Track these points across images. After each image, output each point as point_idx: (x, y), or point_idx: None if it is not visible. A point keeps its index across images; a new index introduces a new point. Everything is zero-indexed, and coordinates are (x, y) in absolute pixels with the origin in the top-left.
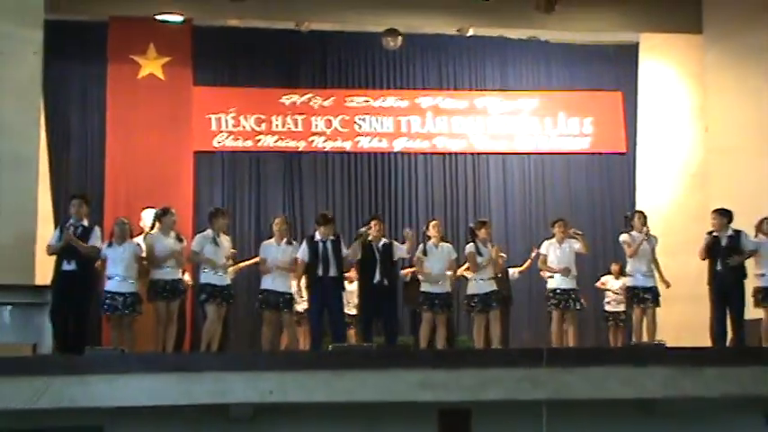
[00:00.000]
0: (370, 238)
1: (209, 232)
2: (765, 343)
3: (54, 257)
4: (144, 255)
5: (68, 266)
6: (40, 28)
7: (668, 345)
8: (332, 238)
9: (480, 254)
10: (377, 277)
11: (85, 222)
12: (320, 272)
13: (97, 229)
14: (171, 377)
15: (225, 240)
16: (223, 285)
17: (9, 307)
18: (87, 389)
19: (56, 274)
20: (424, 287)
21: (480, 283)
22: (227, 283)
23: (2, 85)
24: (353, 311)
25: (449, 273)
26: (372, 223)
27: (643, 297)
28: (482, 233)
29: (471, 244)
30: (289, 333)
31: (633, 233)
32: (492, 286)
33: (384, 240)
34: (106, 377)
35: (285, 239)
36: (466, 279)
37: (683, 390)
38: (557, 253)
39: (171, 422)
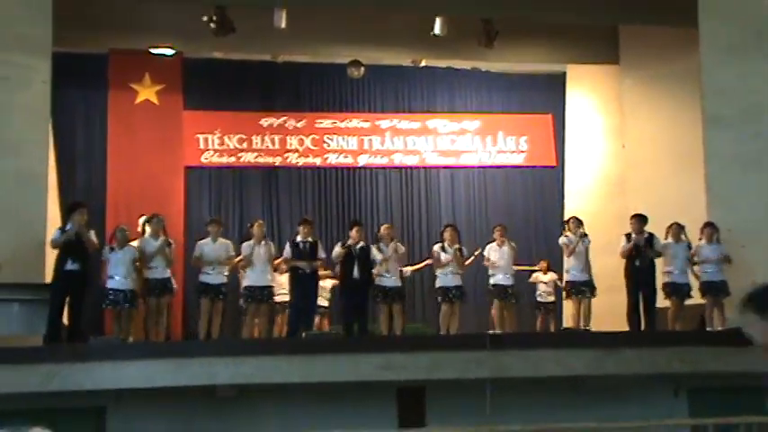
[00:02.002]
0: (350, 242)
1: (207, 239)
2: (672, 328)
3: (55, 259)
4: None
5: (72, 266)
6: (47, 59)
7: (593, 329)
8: (310, 240)
9: (445, 251)
10: (355, 274)
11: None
12: (300, 269)
13: (92, 231)
14: (165, 363)
15: (221, 244)
16: (216, 284)
17: (18, 303)
18: (92, 373)
19: (58, 273)
20: (378, 281)
21: (444, 278)
22: (220, 282)
23: (14, 109)
24: (326, 303)
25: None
26: (354, 229)
27: (581, 289)
28: (446, 235)
29: (438, 244)
30: (265, 321)
31: (569, 236)
32: (456, 281)
33: (362, 244)
34: (108, 363)
35: (263, 241)
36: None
37: (605, 368)
38: (497, 254)
39: (165, 402)
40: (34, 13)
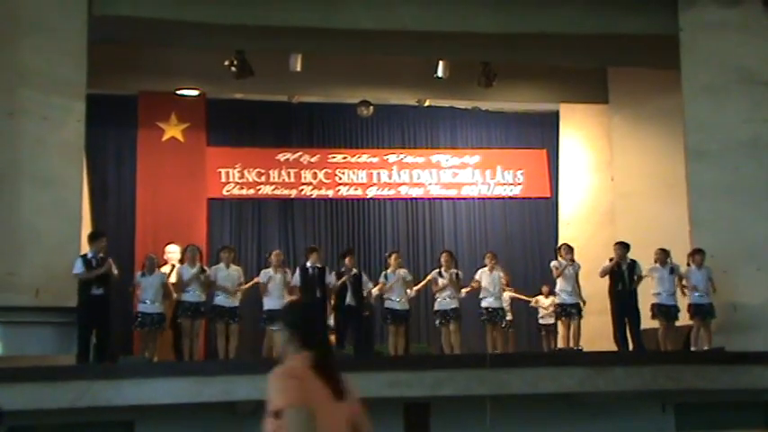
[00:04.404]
0: (342, 269)
1: (221, 264)
2: (663, 348)
3: (78, 285)
4: (169, 282)
5: (97, 291)
6: (82, 101)
7: (585, 349)
8: (318, 266)
9: (442, 276)
10: (348, 300)
11: (101, 254)
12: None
13: (110, 259)
14: (188, 380)
15: (234, 270)
16: (229, 307)
17: (50, 325)
18: (121, 390)
19: (84, 298)
20: (387, 304)
21: (441, 302)
22: (233, 305)
23: (52, 146)
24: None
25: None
26: (347, 258)
27: (569, 311)
28: (442, 260)
29: (436, 270)
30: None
31: (561, 260)
32: (452, 304)
33: (354, 271)
34: (136, 381)
35: (281, 269)
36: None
37: (597, 385)
38: (488, 279)
39: (188, 417)
40: (71, 60)
